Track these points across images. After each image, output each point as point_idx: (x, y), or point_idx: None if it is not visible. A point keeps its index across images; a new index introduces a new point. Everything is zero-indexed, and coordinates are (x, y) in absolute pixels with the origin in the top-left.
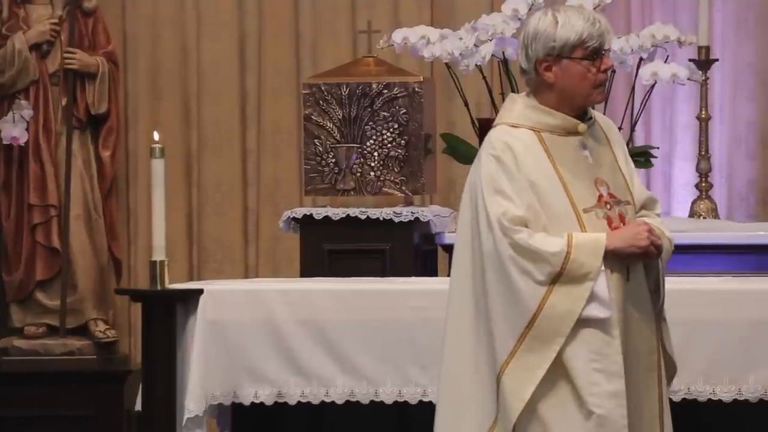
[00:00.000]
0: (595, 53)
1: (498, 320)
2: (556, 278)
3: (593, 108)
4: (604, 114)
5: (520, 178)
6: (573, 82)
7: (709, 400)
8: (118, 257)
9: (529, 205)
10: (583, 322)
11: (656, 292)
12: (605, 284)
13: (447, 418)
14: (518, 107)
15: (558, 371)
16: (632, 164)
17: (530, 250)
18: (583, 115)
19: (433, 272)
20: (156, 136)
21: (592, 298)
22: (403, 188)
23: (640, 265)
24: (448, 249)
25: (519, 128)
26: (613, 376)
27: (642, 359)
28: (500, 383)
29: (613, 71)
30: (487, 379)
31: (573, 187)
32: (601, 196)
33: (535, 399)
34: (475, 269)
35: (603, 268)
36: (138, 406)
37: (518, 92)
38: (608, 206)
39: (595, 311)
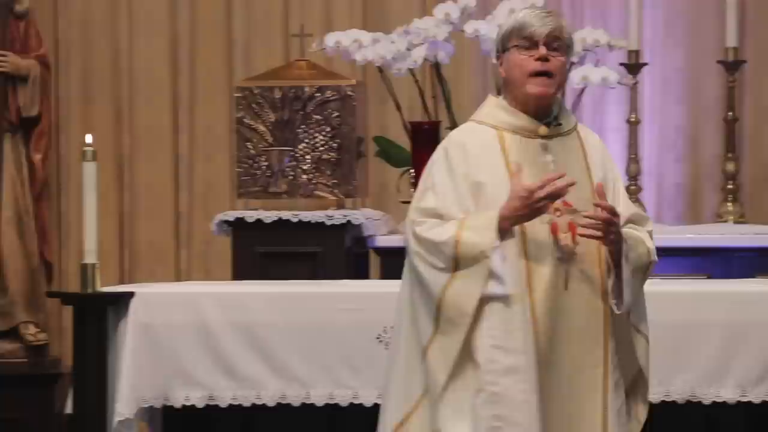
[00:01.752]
0: (530, 41)
1: (419, 307)
2: (456, 264)
3: (562, 108)
4: None
5: (458, 176)
6: (512, 72)
7: None
8: (50, 260)
9: (462, 202)
10: (485, 301)
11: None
12: (500, 261)
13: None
14: (487, 105)
15: (468, 351)
16: (618, 184)
17: (427, 241)
18: (545, 117)
19: (364, 275)
20: (88, 139)
21: (491, 275)
22: (336, 191)
23: (587, 275)
24: (380, 252)
25: (482, 125)
26: (511, 351)
27: (585, 371)
28: (426, 366)
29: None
30: (416, 362)
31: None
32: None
33: (449, 381)
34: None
35: (497, 243)
36: (69, 410)
37: (448, 96)
38: (558, 213)
39: (494, 288)
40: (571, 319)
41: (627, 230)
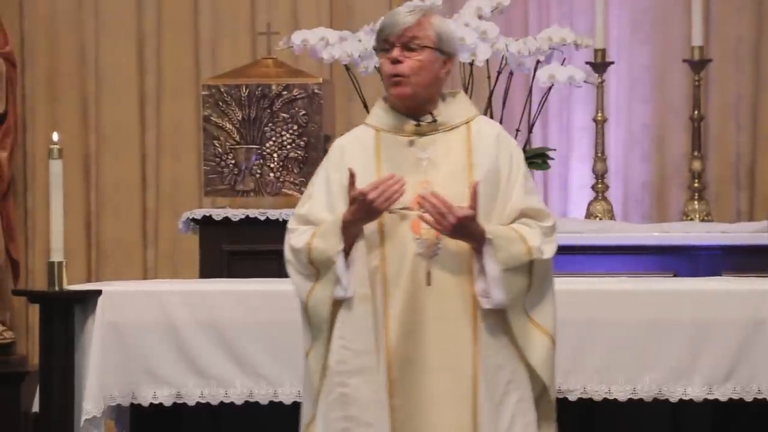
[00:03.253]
0: (388, 43)
1: (301, 314)
2: (316, 270)
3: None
4: (502, 115)
5: (332, 181)
6: (382, 74)
7: (605, 399)
8: (16, 258)
9: (333, 207)
10: (339, 305)
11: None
12: (343, 264)
13: None
14: (374, 107)
15: None
16: (515, 177)
17: (293, 249)
18: (422, 114)
19: None
20: (55, 136)
21: (338, 280)
22: (303, 189)
23: (452, 271)
24: None
25: (367, 127)
26: (361, 352)
27: (451, 369)
28: (306, 371)
29: (511, 73)
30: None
31: None
32: (418, 196)
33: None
34: None
35: (341, 247)
36: (35, 408)
37: None
38: (423, 210)
39: (339, 292)
40: (435, 315)
41: (501, 229)
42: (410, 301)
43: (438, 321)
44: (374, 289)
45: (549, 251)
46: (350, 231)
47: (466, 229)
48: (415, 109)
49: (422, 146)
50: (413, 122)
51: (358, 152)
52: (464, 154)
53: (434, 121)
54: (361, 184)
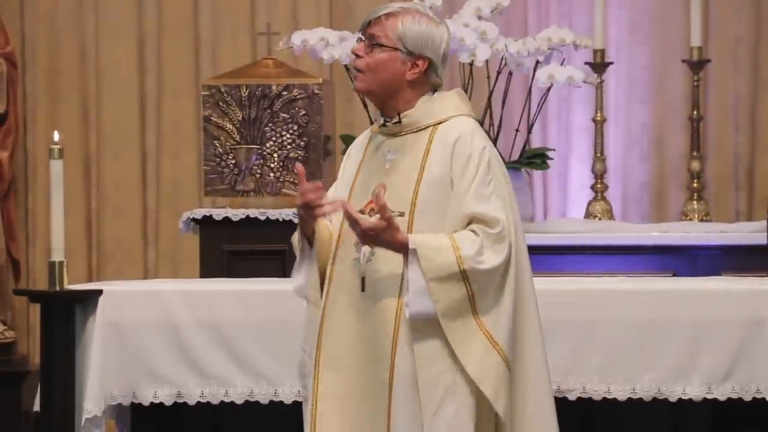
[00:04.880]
0: (361, 36)
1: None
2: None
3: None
4: (501, 115)
5: (339, 182)
6: None
7: (604, 399)
8: (17, 258)
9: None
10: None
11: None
12: (297, 261)
13: None
14: None
15: None
16: (464, 182)
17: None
18: (394, 113)
19: None
20: (56, 136)
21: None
22: None
23: (385, 279)
24: None
25: (370, 126)
26: (307, 353)
27: (375, 377)
28: None
29: (510, 73)
30: None
31: (358, 189)
32: (370, 201)
33: None
34: None
35: (296, 243)
36: (36, 407)
37: None
38: (371, 213)
39: (295, 284)
40: (365, 322)
41: (430, 238)
42: (346, 306)
43: (367, 328)
44: (326, 292)
45: (491, 260)
46: (304, 231)
47: (379, 240)
48: (383, 107)
49: (391, 148)
50: (382, 124)
51: (353, 153)
52: (420, 157)
53: (399, 122)
54: (346, 185)
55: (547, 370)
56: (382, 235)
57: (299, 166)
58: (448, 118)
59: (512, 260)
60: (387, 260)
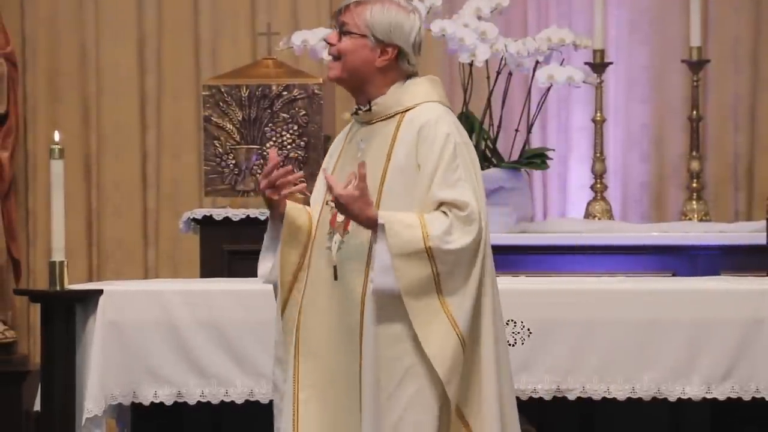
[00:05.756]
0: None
1: None
2: None
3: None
4: (501, 115)
5: (323, 170)
6: None
7: (604, 398)
8: (17, 257)
9: (320, 196)
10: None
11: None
12: (261, 253)
13: None
14: None
15: None
16: (428, 169)
17: None
18: (366, 101)
19: None
20: (56, 136)
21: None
22: None
23: (356, 266)
24: None
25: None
26: (281, 343)
27: (350, 363)
28: None
29: (510, 73)
30: None
31: (336, 175)
32: (352, 173)
33: None
34: None
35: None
36: (37, 407)
37: None
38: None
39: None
40: (339, 310)
41: (400, 215)
42: (319, 295)
43: (339, 317)
44: (304, 282)
45: (459, 241)
46: (272, 214)
47: (351, 209)
48: (356, 95)
49: (363, 136)
50: (353, 112)
51: (337, 141)
52: (387, 145)
53: (369, 109)
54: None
55: (496, 353)
56: (353, 204)
57: (272, 152)
58: (415, 105)
59: (481, 245)
60: (356, 247)
